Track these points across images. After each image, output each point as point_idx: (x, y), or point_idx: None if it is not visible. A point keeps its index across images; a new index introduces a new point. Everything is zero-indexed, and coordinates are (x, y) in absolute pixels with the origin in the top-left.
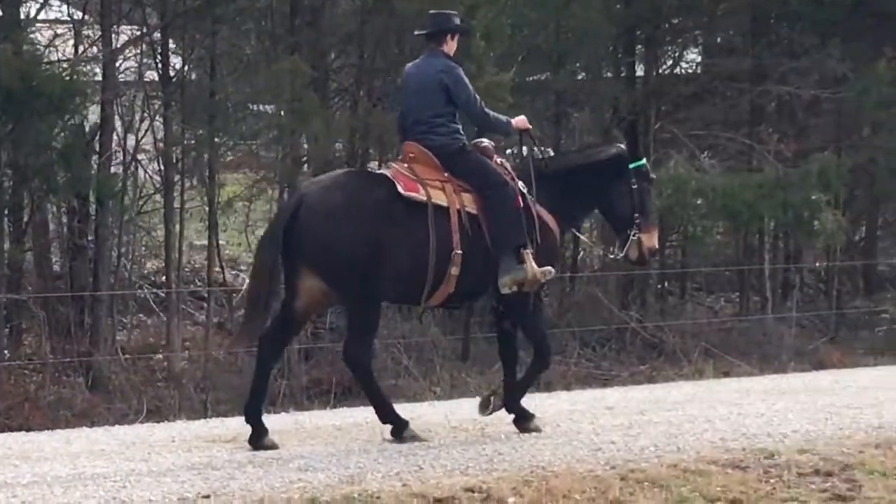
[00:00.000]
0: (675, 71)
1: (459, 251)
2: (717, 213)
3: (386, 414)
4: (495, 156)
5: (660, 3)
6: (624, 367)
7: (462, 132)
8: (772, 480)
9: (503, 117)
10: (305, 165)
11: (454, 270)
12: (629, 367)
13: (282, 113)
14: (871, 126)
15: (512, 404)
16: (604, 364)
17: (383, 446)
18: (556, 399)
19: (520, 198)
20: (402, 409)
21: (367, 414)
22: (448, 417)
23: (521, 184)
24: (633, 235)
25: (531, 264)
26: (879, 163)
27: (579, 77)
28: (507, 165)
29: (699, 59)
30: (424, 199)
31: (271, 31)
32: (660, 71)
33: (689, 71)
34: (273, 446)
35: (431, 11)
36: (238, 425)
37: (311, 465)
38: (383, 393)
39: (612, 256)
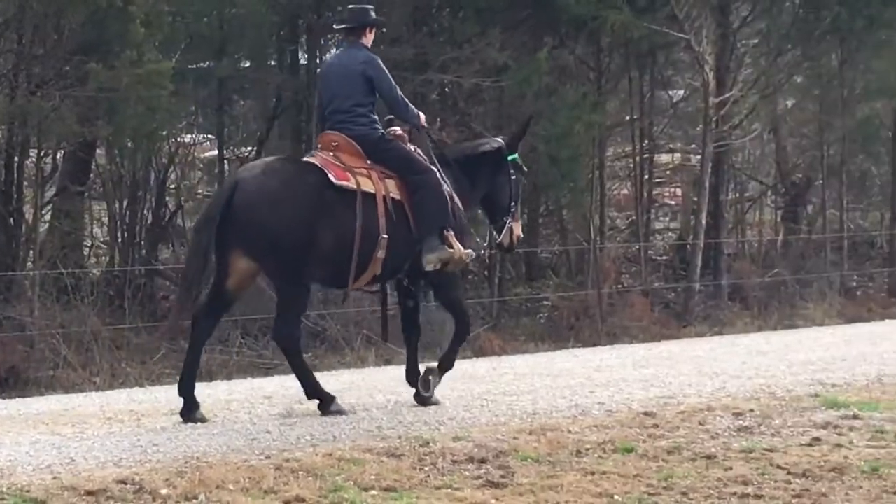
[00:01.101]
0: None
1: (385, 235)
2: None
3: (313, 390)
4: (408, 143)
5: None
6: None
7: (378, 122)
8: (426, 468)
9: (414, 109)
10: None
11: (380, 254)
12: None
13: None
14: (533, 114)
15: (427, 378)
16: (266, 353)
17: (35, 438)
18: (215, 389)
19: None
20: (58, 401)
21: (19, 406)
22: (103, 408)
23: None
24: (508, 224)
25: (457, 245)
26: (541, 151)
27: (243, 65)
28: (420, 151)
29: None
30: (354, 187)
31: None
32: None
33: None
34: (203, 419)
35: (350, 6)
36: None
37: None
38: (310, 370)
39: (497, 243)
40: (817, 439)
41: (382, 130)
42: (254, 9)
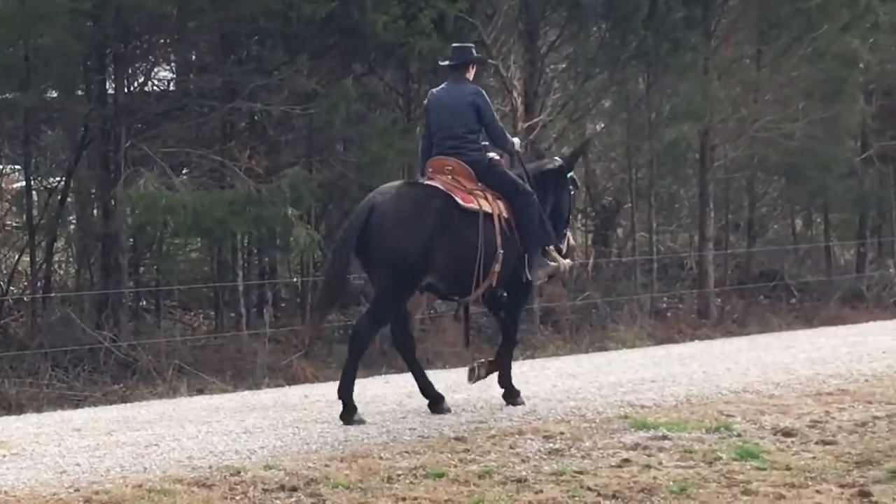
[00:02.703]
0: (146, 88)
1: (502, 251)
2: (190, 230)
3: (343, 392)
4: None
5: (129, 21)
6: (97, 387)
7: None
8: (237, 497)
9: (511, 137)
10: None
11: (497, 267)
12: (103, 387)
13: None
14: (342, 142)
15: (506, 381)
16: (76, 385)
17: None
18: (24, 422)
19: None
20: None
21: None
22: None
23: None
24: (567, 234)
25: (559, 258)
26: (350, 177)
27: (50, 95)
28: (513, 174)
29: (171, 76)
30: (477, 208)
31: None
32: (131, 89)
33: (161, 88)
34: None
35: (454, 45)
36: None
37: None
38: (355, 374)
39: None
40: (627, 460)
41: (489, 156)
42: (59, 38)
